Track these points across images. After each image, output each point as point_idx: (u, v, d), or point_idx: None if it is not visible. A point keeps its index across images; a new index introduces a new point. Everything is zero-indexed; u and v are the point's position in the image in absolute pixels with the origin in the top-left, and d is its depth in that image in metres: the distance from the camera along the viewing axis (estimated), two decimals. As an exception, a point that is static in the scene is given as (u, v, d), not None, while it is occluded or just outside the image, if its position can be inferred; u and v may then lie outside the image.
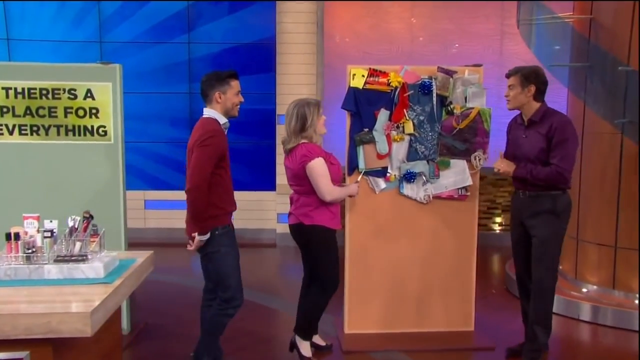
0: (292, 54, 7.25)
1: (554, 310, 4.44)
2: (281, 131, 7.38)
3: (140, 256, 2.62)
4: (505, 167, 3.74)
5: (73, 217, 2.39)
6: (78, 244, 2.34)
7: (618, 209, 4.72)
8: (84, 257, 2.29)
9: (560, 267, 5.36)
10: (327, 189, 3.56)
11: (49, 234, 2.29)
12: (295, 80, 7.25)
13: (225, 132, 3.44)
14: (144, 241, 7.31)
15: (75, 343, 2.01)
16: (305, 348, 3.80)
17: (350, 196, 3.88)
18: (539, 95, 3.69)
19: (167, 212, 7.50)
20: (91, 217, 2.42)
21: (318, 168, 3.53)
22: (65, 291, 2.12)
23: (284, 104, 7.27)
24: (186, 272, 6.02)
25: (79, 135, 4.05)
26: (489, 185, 7.52)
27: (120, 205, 4.14)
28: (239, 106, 3.45)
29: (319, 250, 3.67)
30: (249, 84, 7.35)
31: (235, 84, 3.40)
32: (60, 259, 2.27)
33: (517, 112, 3.84)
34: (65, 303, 1.97)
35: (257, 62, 7.34)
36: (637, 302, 4.64)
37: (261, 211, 7.47)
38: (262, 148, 7.48)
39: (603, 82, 4.79)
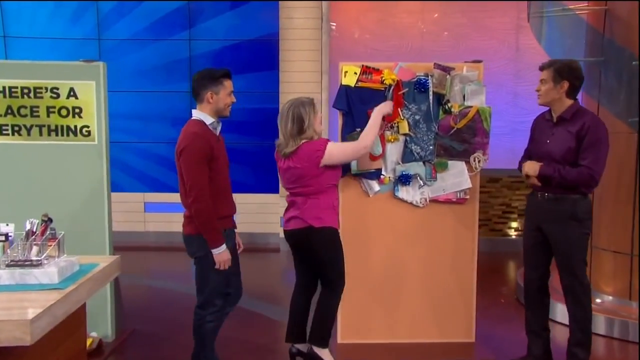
0: (297, 50, 7.23)
1: (562, 320, 4.37)
2: (285, 131, 7.36)
3: (104, 261, 2.61)
4: (529, 166, 3.65)
5: (31, 220, 2.38)
6: (35, 248, 2.34)
7: (634, 214, 4.59)
8: (39, 262, 2.28)
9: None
10: (357, 146, 3.62)
11: (3, 238, 2.29)
12: (299, 78, 7.22)
13: (217, 132, 3.44)
14: (145, 245, 7.40)
15: (22, 351, 2.00)
16: (327, 355, 3.76)
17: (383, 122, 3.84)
18: (573, 92, 3.60)
19: (168, 215, 7.53)
20: (50, 220, 2.41)
21: (335, 149, 3.55)
22: (15, 298, 2.11)
23: (288, 103, 7.27)
24: (183, 278, 6.02)
25: (62, 135, 4.07)
26: (505, 187, 7.39)
27: (105, 208, 4.15)
28: (230, 106, 3.44)
29: (329, 252, 3.65)
30: (251, 82, 7.38)
31: (228, 84, 3.39)
32: (12, 264, 2.26)
33: (544, 108, 3.75)
34: (7, 310, 1.96)
35: (260, 59, 7.32)
36: (654, 314, 4.50)
37: (264, 214, 7.46)
38: (265, 149, 7.43)
39: (618, 78, 4.66)
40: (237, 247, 3.64)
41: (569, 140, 3.54)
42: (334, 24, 7.26)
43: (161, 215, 7.61)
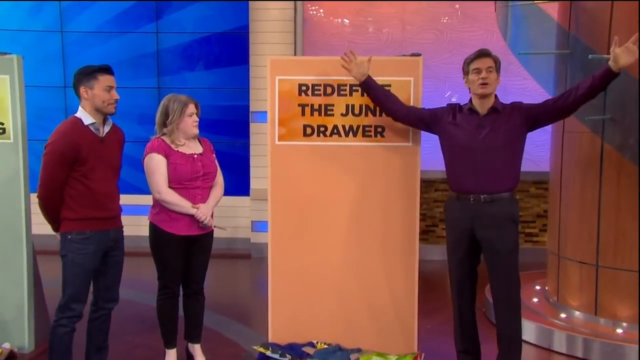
0: (268, 44, 7.21)
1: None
2: (256, 129, 7.36)
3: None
4: None
5: None
6: None
7: (599, 221, 4.45)
8: None
9: (547, 288, 5.12)
10: (155, 186, 3.77)
11: None
12: (270, 72, 7.19)
13: (101, 132, 3.47)
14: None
15: None
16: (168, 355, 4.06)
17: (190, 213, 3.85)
18: None
19: (135, 218, 7.55)
20: None
21: (148, 164, 3.76)
22: None
23: (259, 100, 7.24)
24: (123, 284, 6.05)
25: (-25, 133, 4.14)
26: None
27: (22, 209, 4.20)
28: (114, 104, 3.45)
29: (151, 249, 3.93)
30: (221, 78, 7.41)
31: (104, 79, 3.39)
32: None
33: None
34: None
35: (230, 53, 7.34)
36: (620, 331, 4.36)
37: (234, 218, 7.46)
38: (236, 149, 7.47)
39: (584, 72, 4.55)
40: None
41: (514, 123, 3.51)
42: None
43: (128, 218, 7.64)
